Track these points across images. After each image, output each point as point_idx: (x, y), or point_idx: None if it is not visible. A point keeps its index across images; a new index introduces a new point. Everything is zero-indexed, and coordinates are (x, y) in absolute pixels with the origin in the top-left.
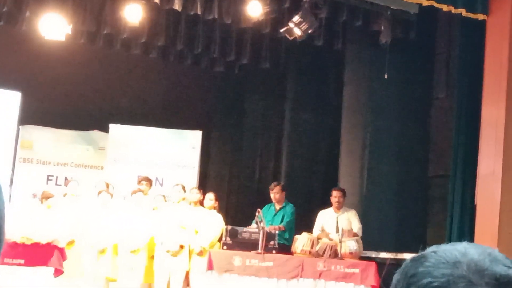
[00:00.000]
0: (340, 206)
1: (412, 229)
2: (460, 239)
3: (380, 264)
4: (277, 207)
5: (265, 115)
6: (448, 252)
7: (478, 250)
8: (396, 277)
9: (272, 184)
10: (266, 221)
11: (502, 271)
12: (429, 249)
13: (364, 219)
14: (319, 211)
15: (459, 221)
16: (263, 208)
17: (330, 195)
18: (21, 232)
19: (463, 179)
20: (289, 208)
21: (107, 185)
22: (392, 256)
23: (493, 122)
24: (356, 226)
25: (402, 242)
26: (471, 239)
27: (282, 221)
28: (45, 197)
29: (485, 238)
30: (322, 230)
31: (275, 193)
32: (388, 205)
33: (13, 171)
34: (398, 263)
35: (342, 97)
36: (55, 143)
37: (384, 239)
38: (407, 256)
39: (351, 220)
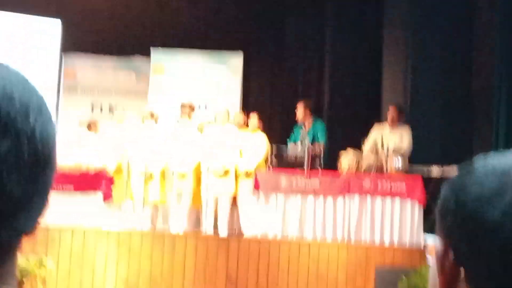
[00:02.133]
0: (395, 122)
1: (458, 143)
2: (507, 148)
3: (427, 179)
4: (306, 124)
5: (306, 34)
6: (496, 161)
7: None
8: (444, 189)
9: (298, 102)
10: (297, 139)
11: None
12: (477, 159)
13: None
14: (363, 131)
15: (505, 133)
16: (294, 128)
17: (386, 110)
18: (69, 160)
19: (508, 90)
20: (320, 124)
21: (152, 112)
22: (438, 170)
23: None
24: (406, 143)
25: (448, 157)
26: None
27: (313, 137)
28: (91, 125)
29: None
30: (374, 145)
31: (299, 110)
32: (433, 120)
33: (57, 100)
34: (444, 176)
35: (383, 15)
36: (98, 70)
37: (430, 154)
38: (454, 169)
39: (403, 136)
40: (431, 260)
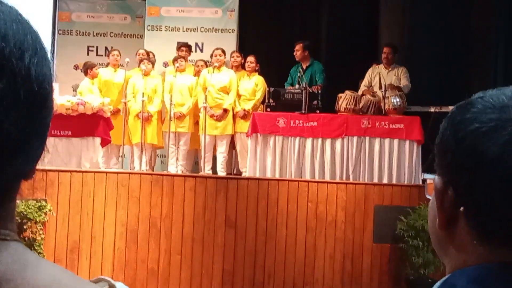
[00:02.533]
0: (390, 63)
1: (456, 83)
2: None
3: (425, 118)
4: (304, 65)
5: None
6: (494, 97)
7: None
8: (443, 125)
9: (296, 43)
10: (294, 81)
11: None
12: (475, 95)
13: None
14: (361, 73)
15: (504, 71)
16: (292, 69)
17: (380, 51)
18: (67, 102)
19: (507, 28)
20: (317, 66)
21: (148, 53)
22: (437, 109)
23: None
24: (404, 83)
25: (446, 97)
26: None
27: (311, 79)
28: (88, 67)
29: None
30: (369, 86)
31: (296, 51)
32: (431, 60)
33: (53, 43)
34: (443, 116)
35: None
36: (93, 13)
37: (428, 95)
38: (452, 108)
39: (400, 76)
40: (430, 198)
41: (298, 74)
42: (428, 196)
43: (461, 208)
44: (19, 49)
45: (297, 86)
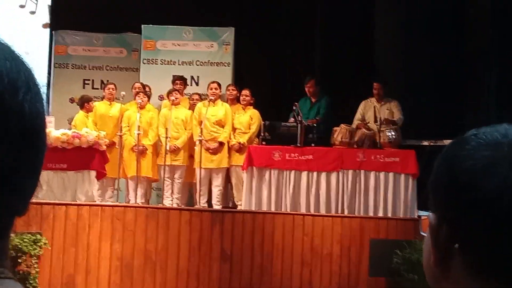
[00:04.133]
0: (381, 97)
1: (450, 116)
2: (499, 121)
3: (420, 152)
4: (313, 100)
5: (297, 9)
6: (488, 134)
7: None
8: (437, 162)
9: (306, 79)
10: (302, 115)
11: None
12: (469, 132)
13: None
14: (357, 102)
15: (496, 104)
16: (299, 102)
17: (371, 87)
18: (62, 135)
19: (499, 61)
20: (325, 100)
21: (144, 87)
22: (431, 143)
23: None
24: (398, 116)
25: (441, 130)
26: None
27: (318, 113)
28: (84, 101)
29: None
30: (362, 120)
31: (309, 88)
32: (425, 93)
33: (49, 77)
34: (437, 149)
35: None
36: (89, 47)
37: (423, 128)
38: (447, 142)
39: (392, 110)
40: (425, 235)
41: (294, 108)
42: (422, 233)
43: (456, 245)
44: (13, 86)
45: (292, 119)
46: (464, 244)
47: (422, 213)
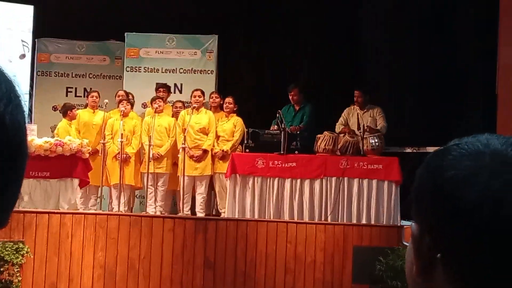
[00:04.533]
0: (363, 105)
1: (433, 122)
2: (482, 130)
3: (403, 159)
4: (296, 107)
5: (281, 17)
6: (470, 144)
7: (501, 140)
8: (419, 172)
9: (290, 86)
10: (286, 122)
11: None
12: (451, 142)
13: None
14: (341, 110)
15: (481, 112)
16: (283, 109)
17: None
18: (45, 143)
19: (482, 70)
20: (308, 108)
21: (127, 94)
22: (414, 150)
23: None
24: (381, 123)
25: (423, 137)
26: (493, 129)
27: (302, 121)
28: (67, 108)
29: (508, 126)
30: (345, 125)
31: (293, 95)
32: (408, 100)
33: (32, 85)
34: (421, 156)
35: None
36: (72, 55)
37: (406, 135)
38: (430, 149)
39: (376, 117)
40: (407, 244)
41: (277, 115)
42: (405, 243)
43: (438, 255)
44: None
45: (275, 127)
46: (446, 254)
47: (404, 222)
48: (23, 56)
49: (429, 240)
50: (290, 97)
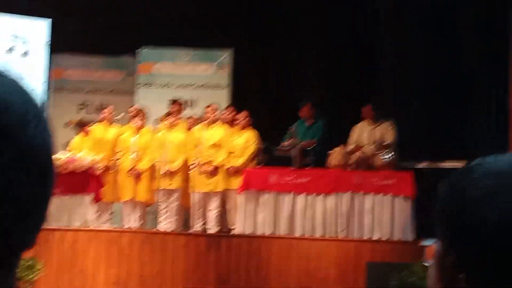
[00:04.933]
0: (374, 120)
1: (447, 137)
2: (497, 144)
3: (416, 174)
4: (308, 123)
5: (296, 32)
6: (492, 164)
7: None
8: (442, 189)
9: (302, 102)
10: (299, 137)
11: None
12: (474, 162)
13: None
14: (353, 125)
15: (496, 127)
16: (296, 124)
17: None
18: (58, 159)
19: (497, 81)
20: (320, 123)
21: (140, 110)
22: (428, 165)
23: None
24: (390, 138)
25: (438, 152)
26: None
27: (314, 136)
28: (83, 124)
29: None
30: (357, 143)
31: (305, 111)
32: (423, 114)
33: (47, 99)
34: (433, 171)
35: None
36: (86, 70)
37: (419, 150)
38: (444, 164)
39: (385, 132)
40: (429, 264)
41: (290, 130)
42: (425, 263)
43: (461, 274)
44: (23, 120)
45: (286, 142)
46: (469, 273)
47: (425, 241)
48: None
49: (452, 259)
50: (303, 113)
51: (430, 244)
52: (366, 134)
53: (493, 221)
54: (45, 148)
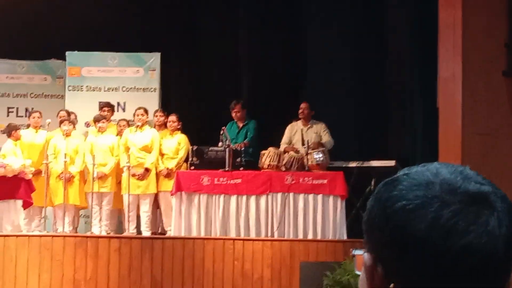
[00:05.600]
0: (308, 119)
1: (376, 137)
2: (424, 143)
3: (347, 173)
4: (240, 124)
5: (221, 33)
6: (420, 174)
7: (450, 169)
8: (370, 202)
9: (232, 103)
10: (230, 139)
11: (474, 188)
12: (401, 172)
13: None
14: (285, 125)
15: (422, 126)
16: (227, 126)
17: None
18: None
19: (422, 84)
20: (252, 124)
21: (69, 114)
22: (358, 164)
23: (450, 24)
24: (326, 139)
25: (367, 151)
26: (435, 142)
27: (246, 137)
28: (12, 129)
29: (449, 140)
30: (289, 143)
31: (236, 112)
32: (352, 115)
33: None
34: (364, 170)
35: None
36: (12, 74)
37: (349, 150)
38: (374, 163)
39: (320, 133)
40: (360, 273)
41: (221, 132)
42: (357, 272)
43: (391, 285)
44: None
45: (220, 144)
46: (399, 284)
47: (356, 251)
48: None
49: (381, 270)
50: (234, 114)
51: (360, 254)
52: (299, 134)
53: (421, 233)
54: None
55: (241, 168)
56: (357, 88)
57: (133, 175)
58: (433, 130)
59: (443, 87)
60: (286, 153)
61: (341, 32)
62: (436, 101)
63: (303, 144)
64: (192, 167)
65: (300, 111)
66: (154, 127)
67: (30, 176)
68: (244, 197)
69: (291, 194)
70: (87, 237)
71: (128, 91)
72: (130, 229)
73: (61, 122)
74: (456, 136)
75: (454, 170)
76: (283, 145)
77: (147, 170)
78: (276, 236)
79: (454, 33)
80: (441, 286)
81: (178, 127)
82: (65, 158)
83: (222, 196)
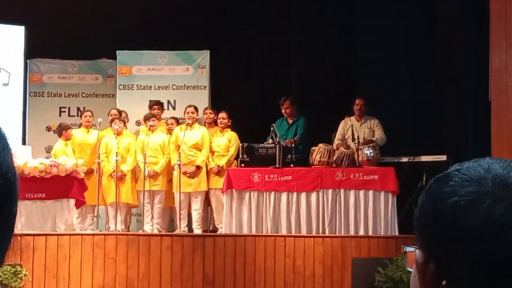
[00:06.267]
0: (362, 114)
1: (427, 132)
2: (476, 137)
3: (398, 169)
4: (290, 120)
5: (272, 30)
6: (471, 169)
7: (502, 164)
8: (421, 198)
9: (282, 99)
10: (280, 136)
11: None
12: (452, 168)
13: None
14: (335, 121)
15: (474, 119)
16: (276, 123)
17: (352, 103)
18: (40, 164)
19: (475, 77)
20: (302, 120)
21: (120, 113)
22: (410, 159)
23: (502, 16)
24: (379, 135)
25: (418, 147)
26: (487, 136)
27: (296, 134)
28: (63, 129)
29: (502, 133)
30: (343, 139)
31: (285, 108)
32: (403, 110)
33: (25, 105)
34: (416, 165)
35: (355, 5)
36: (64, 74)
37: (401, 145)
38: (425, 158)
39: (374, 129)
40: (412, 270)
41: (271, 129)
42: (409, 269)
43: (443, 282)
44: None
45: (270, 141)
46: (451, 281)
47: (408, 248)
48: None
49: (433, 267)
50: (283, 110)
51: (412, 251)
52: (352, 130)
53: (474, 229)
54: (5, 170)
55: (292, 165)
56: (409, 83)
57: (184, 173)
58: (486, 123)
59: (495, 79)
60: (337, 149)
61: (392, 25)
62: (489, 94)
63: (353, 140)
64: (243, 165)
65: (357, 107)
66: (204, 125)
67: (82, 175)
68: (295, 194)
69: (342, 190)
70: (139, 235)
71: (178, 89)
72: (181, 227)
73: (112, 121)
74: (509, 129)
75: (507, 165)
76: (336, 141)
77: (198, 167)
78: (327, 233)
79: (506, 24)
80: (494, 282)
81: (228, 124)
82: (116, 156)
83: (272, 193)
